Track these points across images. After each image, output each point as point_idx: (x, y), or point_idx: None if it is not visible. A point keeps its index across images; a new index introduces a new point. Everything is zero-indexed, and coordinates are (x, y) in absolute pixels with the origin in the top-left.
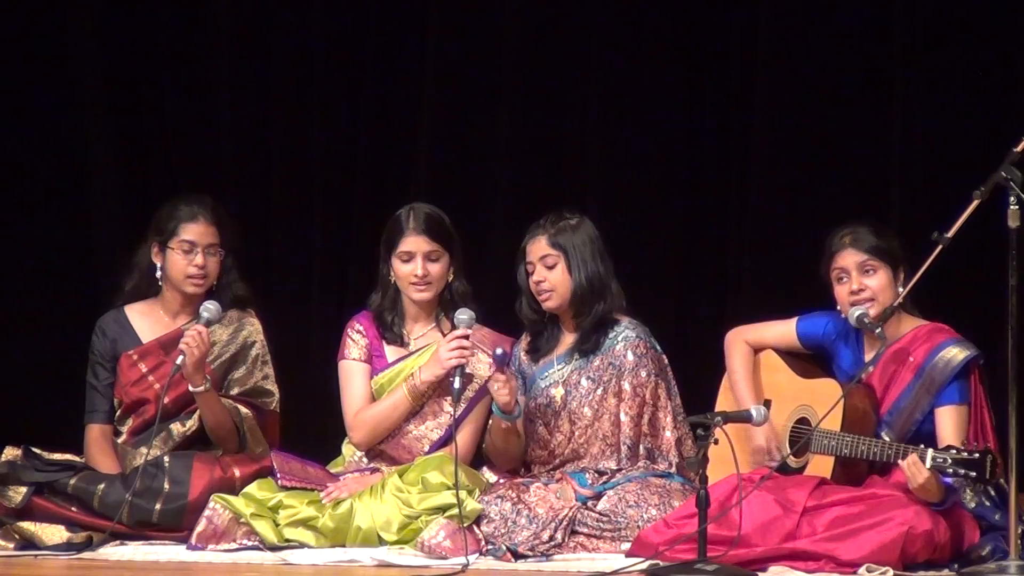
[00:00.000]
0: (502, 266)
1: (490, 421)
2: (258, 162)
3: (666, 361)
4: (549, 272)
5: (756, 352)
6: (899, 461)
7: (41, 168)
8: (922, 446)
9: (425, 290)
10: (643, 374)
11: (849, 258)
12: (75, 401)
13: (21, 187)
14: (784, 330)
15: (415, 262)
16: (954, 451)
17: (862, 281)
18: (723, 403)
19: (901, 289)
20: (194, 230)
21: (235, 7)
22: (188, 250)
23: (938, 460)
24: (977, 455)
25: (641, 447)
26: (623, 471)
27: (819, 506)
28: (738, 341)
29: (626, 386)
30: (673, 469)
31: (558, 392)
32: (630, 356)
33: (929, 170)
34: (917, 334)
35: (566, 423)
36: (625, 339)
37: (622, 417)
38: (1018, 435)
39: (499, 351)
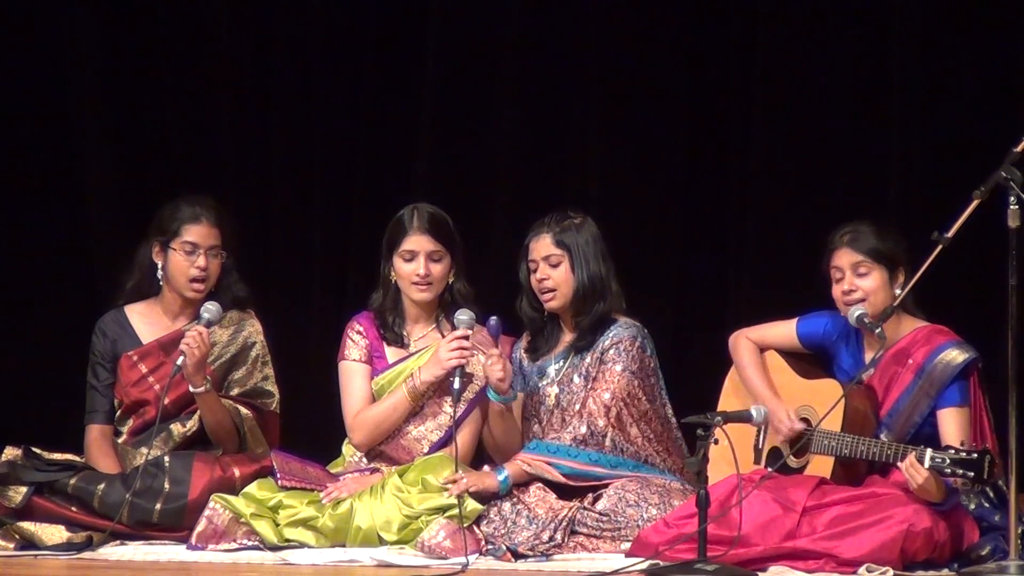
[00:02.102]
0: (502, 266)
1: (488, 411)
2: (258, 162)
3: (653, 364)
4: (553, 270)
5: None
6: (898, 463)
7: (41, 169)
8: (921, 447)
9: (426, 290)
10: (617, 368)
11: (844, 257)
12: (75, 401)
13: (20, 188)
14: (785, 331)
15: (417, 261)
16: (952, 451)
17: (854, 281)
18: (726, 404)
19: (899, 291)
20: (197, 232)
21: (235, 6)
22: (190, 251)
23: (936, 460)
24: (975, 455)
25: (608, 439)
26: (583, 446)
27: (819, 505)
28: (742, 339)
29: (599, 375)
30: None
31: (552, 390)
32: (611, 351)
33: (929, 170)
34: (917, 336)
35: (558, 421)
36: (615, 336)
37: (589, 402)
38: (1018, 435)
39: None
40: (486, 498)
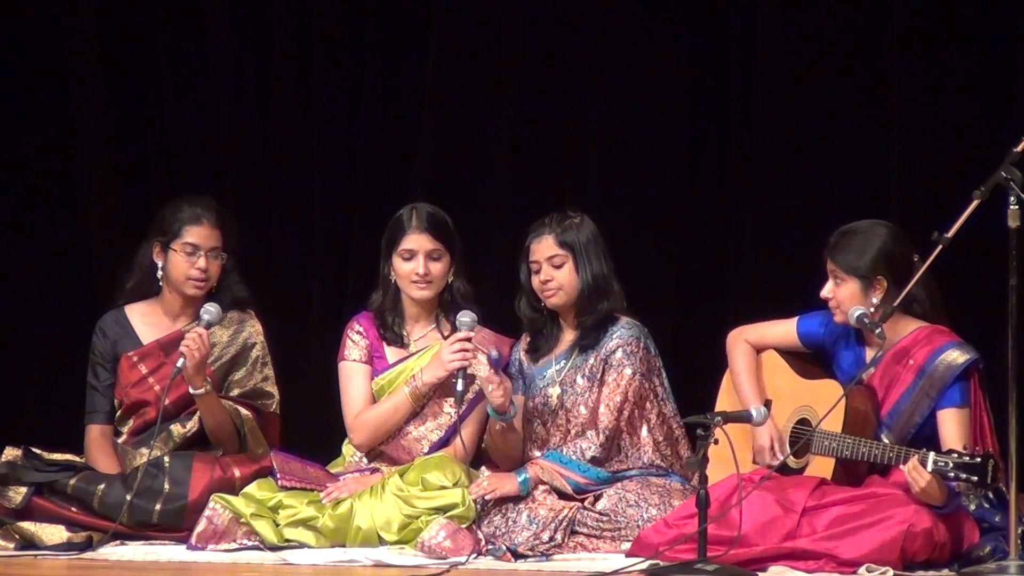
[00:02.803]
0: (502, 266)
1: (490, 430)
2: (258, 162)
3: (658, 364)
4: (556, 271)
5: (758, 352)
6: (900, 466)
7: (41, 168)
8: (924, 450)
9: (425, 289)
10: (628, 372)
11: (827, 263)
12: (75, 401)
13: (21, 188)
14: (785, 329)
15: (417, 260)
16: (955, 455)
17: (827, 287)
18: (724, 403)
19: (875, 300)
20: (197, 233)
21: (235, 6)
22: (191, 252)
23: (939, 464)
24: (979, 459)
25: (615, 440)
26: (598, 459)
27: (819, 506)
28: (740, 340)
29: (609, 379)
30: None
31: (555, 391)
32: (619, 353)
33: (929, 170)
34: (917, 336)
35: (563, 422)
36: (619, 336)
37: (601, 408)
38: (1018, 436)
39: (494, 354)
40: (502, 501)
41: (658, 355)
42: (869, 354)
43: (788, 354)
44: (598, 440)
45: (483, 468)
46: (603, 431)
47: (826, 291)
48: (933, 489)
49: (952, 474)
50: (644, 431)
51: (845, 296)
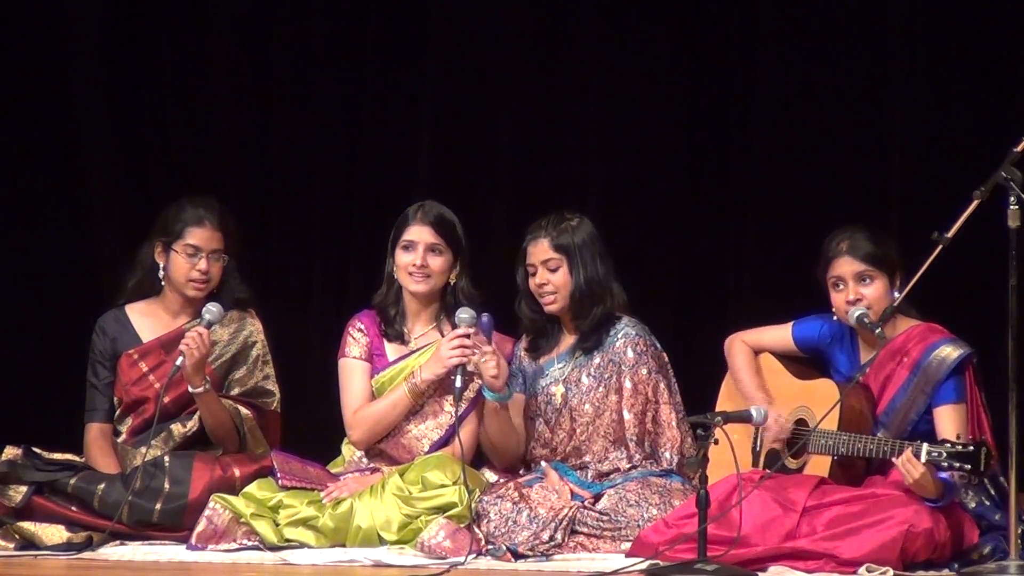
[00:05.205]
0: (502, 266)
1: (484, 412)
2: (258, 162)
3: (666, 359)
4: (552, 275)
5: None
6: (894, 459)
7: (42, 168)
8: (918, 441)
9: (422, 282)
10: (644, 371)
11: (845, 267)
12: (75, 401)
13: (22, 187)
14: (780, 334)
15: (416, 251)
16: (948, 445)
17: (858, 290)
18: (724, 404)
19: (897, 294)
20: (199, 235)
21: (235, 7)
22: (192, 254)
23: (933, 454)
24: (972, 448)
25: (646, 443)
26: (637, 467)
27: (819, 505)
28: (737, 342)
29: (627, 383)
30: (674, 465)
31: (558, 390)
32: (630, 353)
33: (929, 170)
34: (911, 334)
35: (567, 420)
36: (625, 336)
37: (626, 415)
38: (1018, 435)
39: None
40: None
41: (662, 350)
42: (864, 355)
43: (784, 356)
44: (632, 450)
45: (484, 468)
46: (632, 439)
47: (854, 293)
48: (927, 481)
49: (946, 464)
50: (672, 429)
51: (878, 294)
